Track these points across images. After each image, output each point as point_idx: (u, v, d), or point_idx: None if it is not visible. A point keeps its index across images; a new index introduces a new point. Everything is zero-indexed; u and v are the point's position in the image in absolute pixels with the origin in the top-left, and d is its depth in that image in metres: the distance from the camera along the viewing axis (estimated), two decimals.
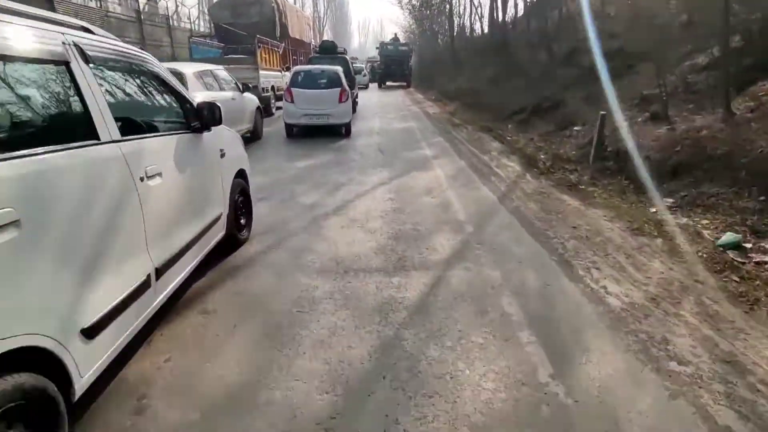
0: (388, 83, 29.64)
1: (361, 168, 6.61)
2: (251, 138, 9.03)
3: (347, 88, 9.47)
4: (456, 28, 25.76)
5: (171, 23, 22.82)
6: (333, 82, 9.41)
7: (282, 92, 10.55)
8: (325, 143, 8.73)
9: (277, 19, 17.63)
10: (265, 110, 12.92)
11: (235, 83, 8.30)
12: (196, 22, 26.47)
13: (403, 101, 19.44)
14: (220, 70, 7.82)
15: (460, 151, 8.03)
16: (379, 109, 15.91)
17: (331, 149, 8.19)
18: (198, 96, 6.36)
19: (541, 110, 10.91)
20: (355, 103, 12.59)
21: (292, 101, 9.13)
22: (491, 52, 18.02)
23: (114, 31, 19.13)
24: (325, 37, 46.02)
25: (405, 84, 28.46)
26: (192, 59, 11.89)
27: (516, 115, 11.72)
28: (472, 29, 26.04)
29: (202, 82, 6.78)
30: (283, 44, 16.29)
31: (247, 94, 8.54)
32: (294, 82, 9.28)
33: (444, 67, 27.07)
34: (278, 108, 12.59)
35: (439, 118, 13.60)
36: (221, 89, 7.42)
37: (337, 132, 9.95)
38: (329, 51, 13.85)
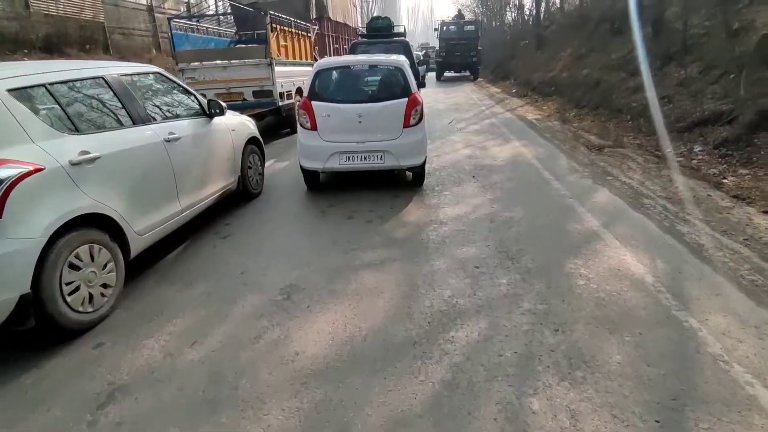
0: (446, 74, 24.38)
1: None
2: (238, 197, 4.74)
3: (419, 96, 4.89)
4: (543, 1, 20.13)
5: (192, 10, 19.15)
6: (393, 86, 4.86)
7: None
8: (376, 216, 4.24)
9: None
10: (288, 125, 8.71)
11: (197, 101, 3.99)
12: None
13: (479, 99, 14.51)
14: (140, 77, 3.46)
15: (719, 267, 3.22)
16: (452, 113, 11.16)
17: (392, 248, 3.67)
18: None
19: None
20: None
21: (314, 127, 4.69)
22: (612, 26, 12.65)
23: (122, 21, 15.72)
24: None
25: (470, 75, 23.06)
26: (175, 53, 7.80)
27: (703, 128, 6.66)
28: (562, 2, 20.30)
29: (41, 111, 2.47)
30: (317, 27, 11.89)
31: (222, 121, 4.21)
32: (317, 90, 4.80)
33: (521, 51, 21.65)
34: None
35: (553, 130, 8.68)
36: (129, 119, 3.09)
37: (396, 177, 5.45)
38: (383, 31, 9.28)
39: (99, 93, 2.93)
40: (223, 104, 4.09)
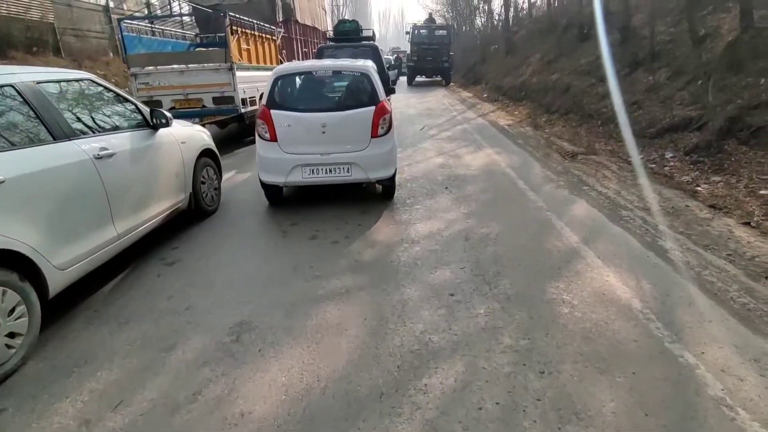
0: (417, 79, 23.79)
1: None
2: (190, 215, 4.32)
3: (388, 104, 4.59)
4: (511, 7, 20.30)
5: (154, 11, 18.28)
6: (359, 93, 4.55)
7: None
8: (343, 235, 3.90)
9: None
10: (252, 133, 8.25)
11: (138, 111, 3.56)
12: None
13: (450, 104, 14.39)
14: (65, 85, 3.00)
15: (707, 289, 3.04)
16: (424, 119, 10.95)
17: (359, 274, 3.33)
18: None
19: (742, 129, 5.77)
20: None
21: (274, 138, 4.32)
22: (580, 31, 12.73)
23: (76, 22, 14.82)
24: None
25: (442, 80, 22.86)
26: (127, 56, 7.24)
27: (674, 134, 6.63)
28: (531, 7, 20.54)
29: None
30: (282, 30, 11.48)
31: (169, 132, 3.80)
32: (276, 98, 4.43)
33: (491, 55, 21.79)
34: None
35: (525, 136, 8.56)
36: (49, 135, 2.65)
37: (365, 190, 5.14)
38: (350, 35, 8.98)
39: (7, 104, 2.48)
40: (169, 114, 3.66)
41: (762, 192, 4.52)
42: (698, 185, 5.10)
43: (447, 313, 2.69)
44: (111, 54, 15.49)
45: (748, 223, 3.87)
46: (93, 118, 3.10)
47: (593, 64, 10.70)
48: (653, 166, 6.04)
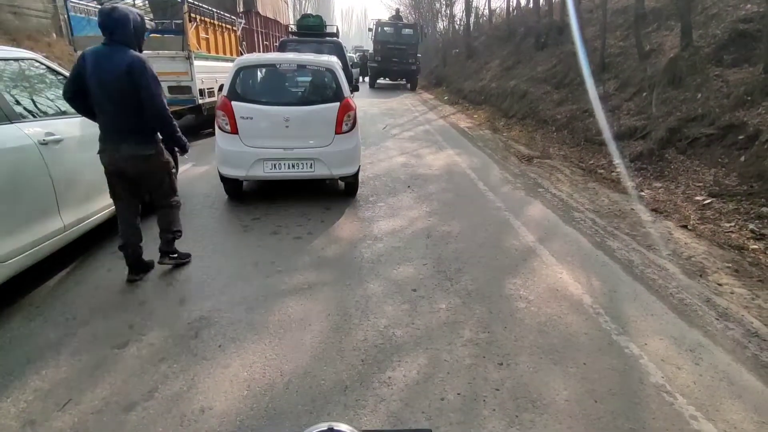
0: (380, 81, 21.88)
1: None
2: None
3: (353, 101, 4.58)
4: (472, 13, 20.78)
5: None
6: (324, 88, 4.52)
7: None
8: (305, 231, 3.86)
9: None
10: (209, 124, 7.98)
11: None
12: None
13: (412, 105, 14.53)
14: (5, 64, 2.79)
15: (650, 285, 3.27)
16: (386, 118, 11.01)
17: (322, 269, 3.32)
18: None
19: (681, 139, 6.22)
20: None
21: (234, 130, 4.20)
22: (537, 40, 13.24)
23: None
24: None
25: (407, 83, 21.24)
26: (73, 38, 6.77)
27: (620, 142, 7.04)
28: (491, 14, 21.15)
29: None
30: (243, 21, 11.17)
31: None
32: (238, 90, 4.31)
33: (452, 59, 22.21)
34: None
35: (484, 139, 8.81)
36: None
37: (328, 187, 5.12)
38: (314, 30, 8.87)
39: None
40: None
41: (697, 198, 4.89)
42: (642, 190, 5.45)
43: (410, 308, 2.74)
44: (54, 35, 14.46)
45: (685, 226, 4.18)
46: (38, 101, 2.90)
47: (548, 72, 11.17)
48: (602, 171, 6.39)
